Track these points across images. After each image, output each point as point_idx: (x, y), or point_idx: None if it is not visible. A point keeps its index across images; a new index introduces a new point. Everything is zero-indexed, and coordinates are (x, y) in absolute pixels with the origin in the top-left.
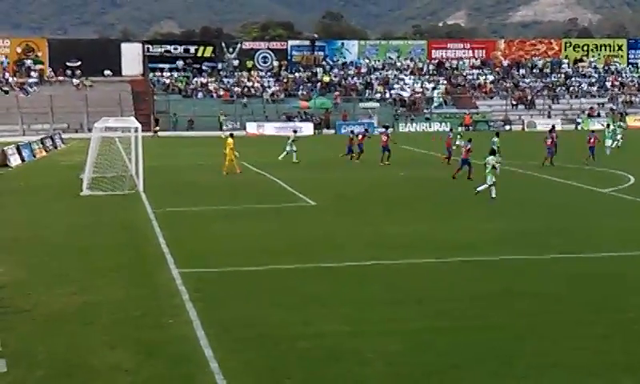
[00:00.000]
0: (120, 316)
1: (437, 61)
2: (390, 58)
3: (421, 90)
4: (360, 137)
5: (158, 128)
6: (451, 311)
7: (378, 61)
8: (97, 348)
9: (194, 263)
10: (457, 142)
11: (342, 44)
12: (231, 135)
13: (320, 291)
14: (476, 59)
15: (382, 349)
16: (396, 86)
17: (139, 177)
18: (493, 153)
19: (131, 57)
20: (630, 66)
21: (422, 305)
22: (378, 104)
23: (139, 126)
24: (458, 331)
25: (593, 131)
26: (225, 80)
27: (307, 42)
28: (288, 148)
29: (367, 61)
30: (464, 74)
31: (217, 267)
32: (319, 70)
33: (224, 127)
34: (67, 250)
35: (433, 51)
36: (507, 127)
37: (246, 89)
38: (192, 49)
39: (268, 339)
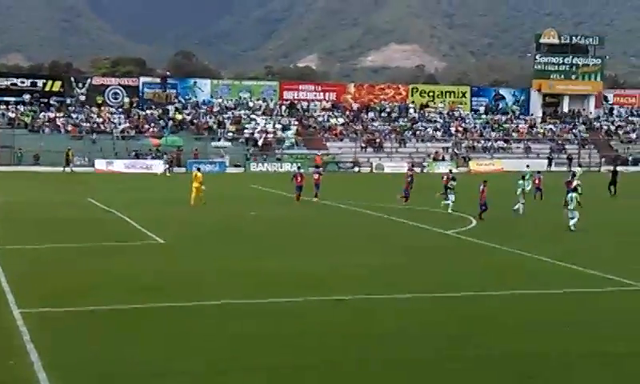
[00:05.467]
0: None
1: (289, 102)
2: (242, 97)
3: (273, 130)
4: (536, 181)
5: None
6: (307, 347)
7: (231, 100)
8: None
9: (37, 302)
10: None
11: (195, 82)
12: (198, 169)
13: (168, 330)
14: (327, 102)
15: None
16: (248, 125)
17: None
18: (575, 190)
19: None
20: (473, 113)
21: (279, 341)
22: (229, 143)
23: None
24: (312, 368)
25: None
26: (73, 115)
27: (159, 80)
28: (451, 197)
29: (220, 100)
30: (315, 115)
31: (61, 307)
32: (171, 107)
33: (165, 166)
34: None
35: (285, 92)
36: (356, 169)
37: (95, 125)
38: (39, 83)
39: (113, 380)
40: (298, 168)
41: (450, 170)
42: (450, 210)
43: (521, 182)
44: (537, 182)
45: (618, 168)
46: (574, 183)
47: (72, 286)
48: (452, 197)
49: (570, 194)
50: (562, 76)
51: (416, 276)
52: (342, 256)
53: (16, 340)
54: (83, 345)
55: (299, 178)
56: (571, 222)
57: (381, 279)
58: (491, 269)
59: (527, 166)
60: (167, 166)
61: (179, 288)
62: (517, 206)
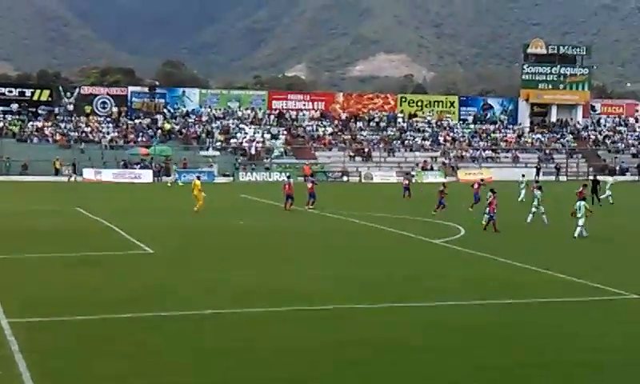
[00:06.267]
0: None
1: (277, 111)
2: (230, 107)
3: (261, 139)
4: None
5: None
6: (285, 361)
7: (219, 110)
8: None
9: (26, 312)
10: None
11: (183, 92)
12: (198, 177)
13: (156, 341)
14: (315, 111)
15: None
16: (238, 135)
17: None
18: (584, 199)
19: None
20: (461, 122)
21: (258, 354)
22: (218, 152)
23: None
24: (291, 382)
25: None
26: (62, 125)
27: (148, 89)
28: (534, 209)
29: (208, 109)
30: (304, 125)
31: (50, 316)
32: (160, 117)
33: (174, 175)
34: None
35: (273, 102)
36: (345, 179)
37: (83, 134)
38: (28, 92)
39: None
40: (288, 177)
41: (482, 180)
42: (483, 222)
43: (538, 192)
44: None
45: (599, 177)
46: (608, 192)
47: (61, 295)
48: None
49: (578, 203)
50: (550, 86)
51: (401, 285)
52: (326, 265)
53: (4, 350)
54: (72, 355)
55: (287, 187)
56: (577, 231)
57: (365, 289)
58: (477, 278)
59: (523, 176)
60: (177, 176)
61: (160, 298)
62: (543, 217)
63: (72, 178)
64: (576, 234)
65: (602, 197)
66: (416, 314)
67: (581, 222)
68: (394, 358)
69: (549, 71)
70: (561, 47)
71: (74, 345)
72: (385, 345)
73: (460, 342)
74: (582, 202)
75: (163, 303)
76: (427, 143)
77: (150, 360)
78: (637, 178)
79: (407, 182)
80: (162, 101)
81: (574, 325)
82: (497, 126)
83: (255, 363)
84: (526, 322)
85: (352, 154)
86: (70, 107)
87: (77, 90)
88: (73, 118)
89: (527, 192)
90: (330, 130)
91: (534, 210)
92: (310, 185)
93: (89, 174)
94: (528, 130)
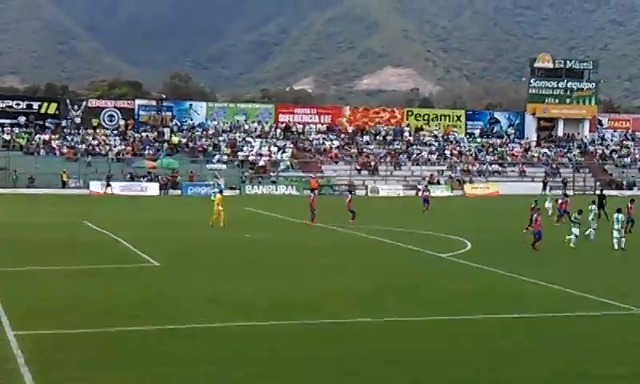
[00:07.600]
0: None
1: (284, 125)
2: (237, 120)
3: (268, 153)
4: (563, 204)
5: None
6: (286, 373)
7: (226, 123)
8: None
9: (31, 325)
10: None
11: (190, 105)
12: (220, 192)
13: (159, 353)
14: (322, 125)
15: None
16: (245, 148)
17: None
18: (620, 210)
19: None
20: (468, 136)
21: (260, 366)
22: (225, 166)
23: None
24: None
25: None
26: (69, 137)
27: (155, 102)
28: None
29: (215, 122)
30: (310, 138)
31: (55, 329)
32: (167, 130)
33: (214, 189)
34: None
35: (280, 115)
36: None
37: (90, 147)
38: (35, 105)
39: None
40: (312, 191)
41: (565, 194)
42: (572, 244)
43: (592, 206)
44: (563, 205)
45: (605, 192)
46: None
47: (66, 307)
48: (576, 230)
49: (615, 215)
50: (557, 100)
51: (407, 299)
52: (328, 278)
53: (11, 363)
54: (77, 368)
55: (311, 201)
56: (621, 243)
57: (370, 302)
58: (480, 291)
59: (550, 189)
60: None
61: (166, 310)
62: (588, 231)
63: (107, 190)
64: (616, 246)
65: None
66: (417, 326)
67: (616, 234)
68: (395, 370)
69: (556, 85)
70: (568, 61)
71: (80, 357)
72: (387, 357)
73: (460, 354)
74: (620, 215)
75: (167, 315)
76: (434, 157)
77: (154, 372)
78: None
79: (427, 193)
80: (169, 114)
81: (577, 338)
82: (503, 140)
83: (257, 375)
84: (527, 334)
85: (358, 167)
86: (78, 120)
87: (84, 102)
88: (80, 131)
89: (553, 206)
90: (336, 143)
91: (594, 225)
92: (347, 199)
93: (95, 186)
94: (535, 144)
